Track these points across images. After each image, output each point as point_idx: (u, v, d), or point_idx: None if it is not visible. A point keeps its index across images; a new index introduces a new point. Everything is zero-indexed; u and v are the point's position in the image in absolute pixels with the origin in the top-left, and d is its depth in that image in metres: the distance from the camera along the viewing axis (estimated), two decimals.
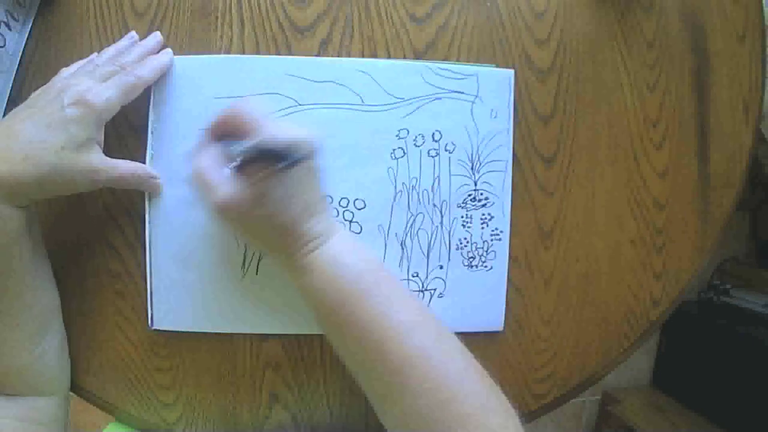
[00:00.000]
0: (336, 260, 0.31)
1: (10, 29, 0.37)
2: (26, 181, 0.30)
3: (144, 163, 0.37)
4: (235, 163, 0.30)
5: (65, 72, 0.36)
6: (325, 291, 0.31)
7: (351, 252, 0.32)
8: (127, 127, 0.38)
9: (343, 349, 0.33)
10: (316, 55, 0.39)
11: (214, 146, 0.32)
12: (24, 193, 0.31)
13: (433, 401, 0.28)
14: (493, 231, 0.40)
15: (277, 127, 0.30)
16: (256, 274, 0.38)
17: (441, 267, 0.40)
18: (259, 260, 0.38)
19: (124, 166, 0.35)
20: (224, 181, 0.30)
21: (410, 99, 0.39)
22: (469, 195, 0.40)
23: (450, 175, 0.39)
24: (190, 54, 0.38)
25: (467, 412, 0.28)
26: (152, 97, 0.37)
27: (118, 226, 0.39)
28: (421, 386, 0.29)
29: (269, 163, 0.27)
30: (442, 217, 0.40)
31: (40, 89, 0.34)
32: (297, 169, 0.29)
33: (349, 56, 0.39)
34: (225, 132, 0.32)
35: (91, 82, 0.33)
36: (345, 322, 0.31)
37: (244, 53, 0.39)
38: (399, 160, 0.39)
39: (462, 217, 0.40)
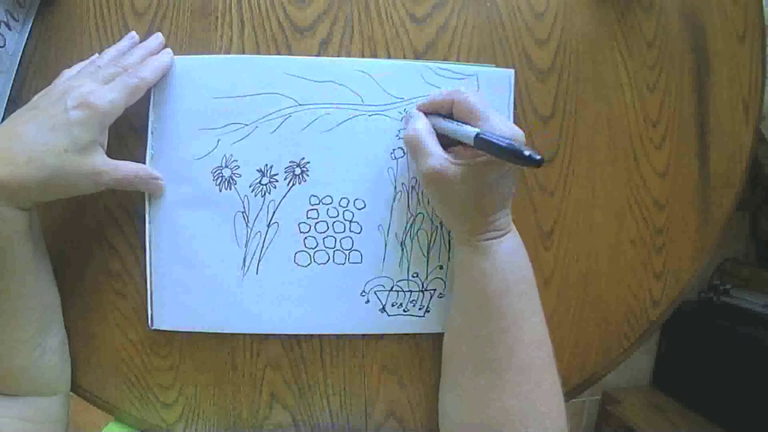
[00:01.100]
0: (509, 255, 0.34)
1: (10, 29, 0.37)
2: (29, 183, 0.30)
3: (144, 163, 0.37)
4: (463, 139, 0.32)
5: (67, 73, 0.36)
6: (491, 277, 0.33)
7: (521, 253, 0.35)
8: (127, 128, 0.38)
9: (474, 331, 0.35)
10: (316, 55, 0.39)
11: (431, 116, 0.35)
12: (27, 195, 0.31)
13: (531, 408, 0.32)
14: None
15: (500, 122, 0.31)
16: (256, 274, 0.38)
17: (441, 267, 0.40)
18: (259, 260, 0.38)
19: (127, 168, 0.35)
20: (439, 151, 0.33)
21: (410, 99, 0.39)
22: None
23: None
24: (190, 54, 0.38)
25: (555, 412, 0.33)
26: (152, 97, 0.37)
27: (118, 226, 0.39)
28: (529, 392, 0.32)
29: (497, 154, 0.29)
30: None
31: (42, 91, 0.34)
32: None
33: (349, 56, 0.39)
34: (439, 110, 0.35)
35: (94, 84, 0.33)
36: (494, 311, 0.33)
37: (244, 53, 0.39)
38: (399, 160, 0.39)
39: None
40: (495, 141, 0.29)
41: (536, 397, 0.33)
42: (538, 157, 0.27)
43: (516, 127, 0.32)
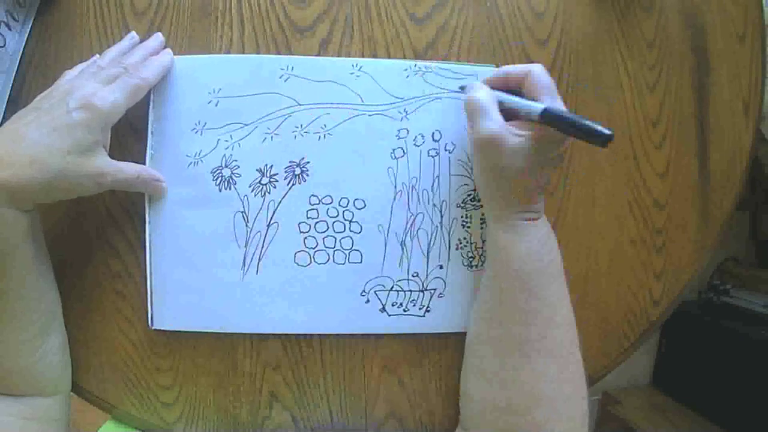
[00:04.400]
0: (544, 238, 0.34)
1: (10, 29, 0.37)
2: (31, 185, 0.30)
3: (144, 163, 0.37)
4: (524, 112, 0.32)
5: (69, 74, 0.35)
6: (528, 258, 0.33)
7: (553, 238, 0.35)
8: (127, 128, 0.38)
9: (508, 312, 0.34)
10: (316, 55, 0.39)
11: (494, 91, 0.34)
12: (29, 197, 0.31)
13: (557, 391, 0.33)
14: None
15: (562, 106, 0.32)
16: (256, 274, 0.38)
17: (441, 267, 0.40)
18: (259, 260, 0.38)
19: (129, 169, 0.35)
20: (501, 119, 0.32)
21: (410, 99, 0.39)
22: (469, 195, 0.40)
23: (450, 175, 0.39)
24: (190, 54, 0.38)
25: (580, 395, 0.33)
26: (152, 97, 0.37)
27: (118, 227, 0.39)
28: (556, 375, 0.33)
29: (565, 129, 0.29)
30: (441, 217, 0.40)
31: (45, 92, 0.34)
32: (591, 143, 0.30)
33: (349, 56, 0.39)
34: (509, 83, 0.35)
35: (97, 84, 0.33)
36: (529, 291, 0.33)
37: (244, 53, 0.39)
38: (399, 160, 0.39)
39: (462, 216, 0.40)
40: (566, 115, 0.29)
41: (563, 380, 0.33)
42: (609, 132, 0.27)
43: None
